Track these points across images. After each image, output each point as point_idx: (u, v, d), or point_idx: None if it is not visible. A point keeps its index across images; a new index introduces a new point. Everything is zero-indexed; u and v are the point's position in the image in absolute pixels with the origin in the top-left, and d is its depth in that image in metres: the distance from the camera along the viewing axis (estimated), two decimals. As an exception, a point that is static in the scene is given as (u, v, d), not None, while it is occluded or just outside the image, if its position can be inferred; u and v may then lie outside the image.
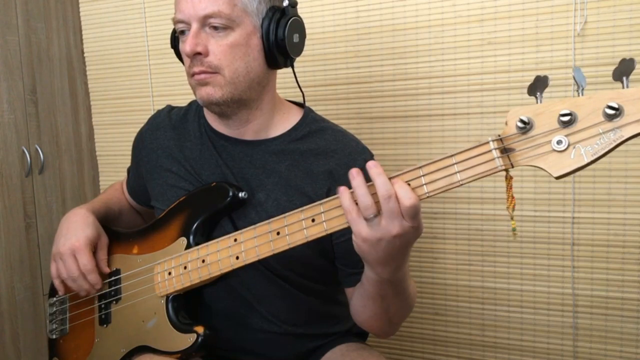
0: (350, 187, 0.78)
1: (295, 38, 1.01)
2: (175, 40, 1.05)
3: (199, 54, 0.94)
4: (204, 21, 0.93)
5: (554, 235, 1.47)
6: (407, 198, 0.73)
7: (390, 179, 0.75)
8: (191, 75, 0.97)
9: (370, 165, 0.76)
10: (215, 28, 0.94)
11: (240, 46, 0.95)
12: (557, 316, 1.50)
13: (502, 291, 1.55)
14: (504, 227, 1.52)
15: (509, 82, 1.45)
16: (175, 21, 0.97)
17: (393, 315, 0.95)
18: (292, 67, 1.05)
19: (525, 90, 1.50)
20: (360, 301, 0.95)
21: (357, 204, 0.76)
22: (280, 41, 0.98)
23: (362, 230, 0.76)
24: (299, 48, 1.04)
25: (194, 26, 0.93)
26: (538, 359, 1.54)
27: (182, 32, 0.97)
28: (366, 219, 0.76)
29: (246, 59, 0.97)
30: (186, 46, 0.93)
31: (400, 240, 0.76)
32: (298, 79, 1.11)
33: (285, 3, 1.00)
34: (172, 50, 1.09)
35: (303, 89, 1.14)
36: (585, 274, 1.45)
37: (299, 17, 1.02)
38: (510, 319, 1.55)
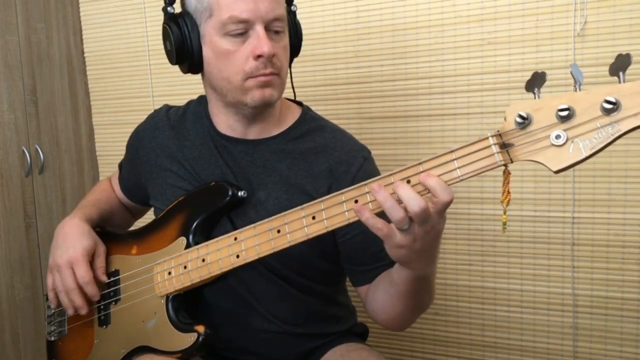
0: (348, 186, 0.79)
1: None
2: (182, 39, 1.00)
3: (273, 55, 0.95)
4: (269, 24, 0.95)
5: (554, 235, 1.47)
6: (415, 203, 0.72)
7: (390, 175, 0.76)
8: (255, 76, 0.95)
9: (376, 189, 0.74)
10: (275, 30, 0.96)
11: (288, 48, 1.01)
12: (557, 316, 1.50)
13: (502, 291, 1.55)
14: (504, 227, 1.51)
15: (509, 82, 1.45)
16: (234, 21, 0.93)
17: (422, 307, 0.95)
18: (290, 66, 1.07)
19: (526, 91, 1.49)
20: (389, 301, 0.94)
21: (377, 214, 0.75)
22: (298, 43, 1.04)
23: (398, 240, 0.75)
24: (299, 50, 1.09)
25: (261, 27, 0.93)
26: (538, 359, 1.54)
27: (240, 34, 0.94)
28: (401, 230, 0.74)
29: (288, 60, 1.01)
30: (264, 48, 0.92)
31: (432, 231, 0.75)
32: (298, 79, 1.13)
33: (294, 8, 1.05)
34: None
35: (303, 89, 1.15)
36: (585, 274, 1.45)
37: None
38: (510, 319, 1.55)
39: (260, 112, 1.01)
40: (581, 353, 1.49)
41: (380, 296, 0.96)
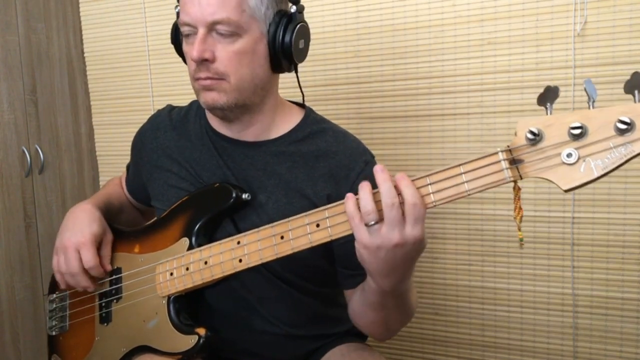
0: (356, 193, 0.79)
1: (301, 44, 1.00)
2: (176, 36, 1.04)
3: (206, 60, 0.93)
4: (212, 26, 0.91)
5: (554, 235, 1.47)
6: (411, 196, 0.73)
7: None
8: (195, 79, 0.96)
9: (377, 170, 0.75)
10: (222, 34, 0.92)
11: (247, 53, 0.94)
12: (557, 316, 1.50)
13: (502, 291, 1.55)
14: (504, 227, 1.52)
15: (508, 82, 1.45)
16: (181, 23, 0.95)
17: (392, 324, 0.95)
18: (296, 70, 1.04)
19: (525, 91, 1.50)
20: (360, 307, 0.95)
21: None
22: (287, 47, 0.96)
23: (363, 237, 0.76)
24: (304, 54, 1.03)
25: (201, 31, 0.91)
26: (538, 359, 1.54)
27: (188, 35, 0.95)
28: (367, 225, 0.75)
29: (252, 65, 0.95)
30: (193, 52, 0.92)
31: (401, 250, 0.75)
32: (298, 79, 1.11)
33: (293, 9, 0.98)
34: (172, 50, 1.08)
35: (303, 89, 1.14)
36: (585, 274, 1.45)
37: (305, 22, 1.00)
38: (510, 319, 1.55)
39: (224, 114, 1.00)
40: (581, 353, 1.49)
41: (355, 302, 0.97)
